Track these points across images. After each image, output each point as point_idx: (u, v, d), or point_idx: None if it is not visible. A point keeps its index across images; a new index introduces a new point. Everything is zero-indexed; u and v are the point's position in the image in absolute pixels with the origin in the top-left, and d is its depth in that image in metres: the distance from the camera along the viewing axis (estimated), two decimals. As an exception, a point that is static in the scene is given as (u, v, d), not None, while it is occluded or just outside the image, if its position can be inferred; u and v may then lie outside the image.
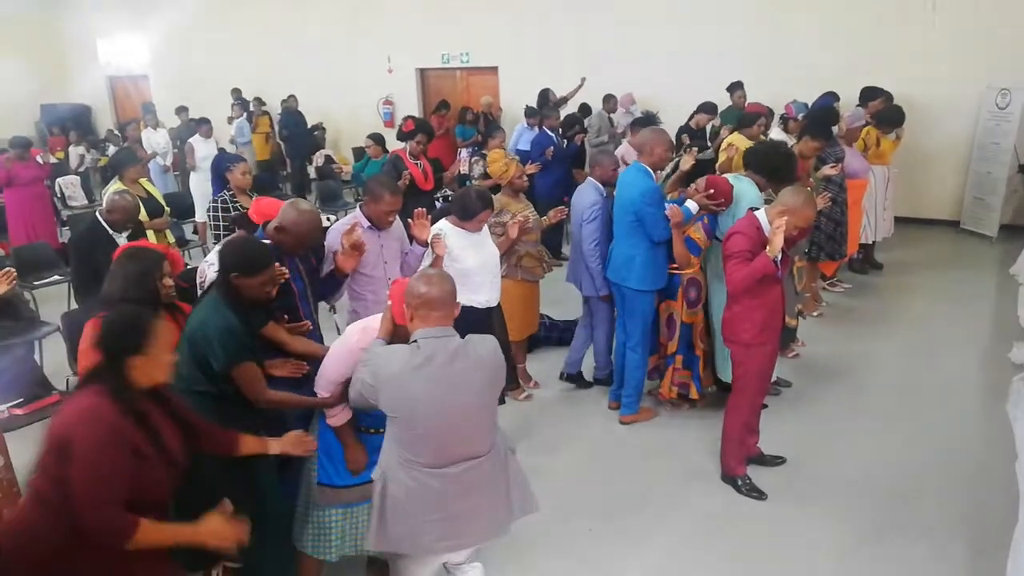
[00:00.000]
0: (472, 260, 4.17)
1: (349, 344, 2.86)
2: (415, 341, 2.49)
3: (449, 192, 7.28)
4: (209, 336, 2.76)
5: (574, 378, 5.32)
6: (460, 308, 4.03)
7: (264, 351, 3.12)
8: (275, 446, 2.74)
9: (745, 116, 6.87)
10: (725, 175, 4.75)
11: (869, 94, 7.56)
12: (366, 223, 3.93)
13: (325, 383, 2.89)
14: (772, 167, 4.59)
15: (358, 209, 4.06)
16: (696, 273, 4.57)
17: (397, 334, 2.69)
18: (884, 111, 7.12)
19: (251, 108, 12.25)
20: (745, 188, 4.55)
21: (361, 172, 8.21)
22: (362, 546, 2.98)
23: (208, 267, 3.47)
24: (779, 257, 3.58)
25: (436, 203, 6.79)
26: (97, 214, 5.00)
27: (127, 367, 2.24)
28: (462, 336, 2.59)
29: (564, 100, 10.12)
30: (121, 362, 2.24)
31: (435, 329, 2.51)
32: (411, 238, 4.12)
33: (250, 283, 2.86)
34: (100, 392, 2.23)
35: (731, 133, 7.15)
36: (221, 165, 5.56)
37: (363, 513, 2.94)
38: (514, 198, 4.94)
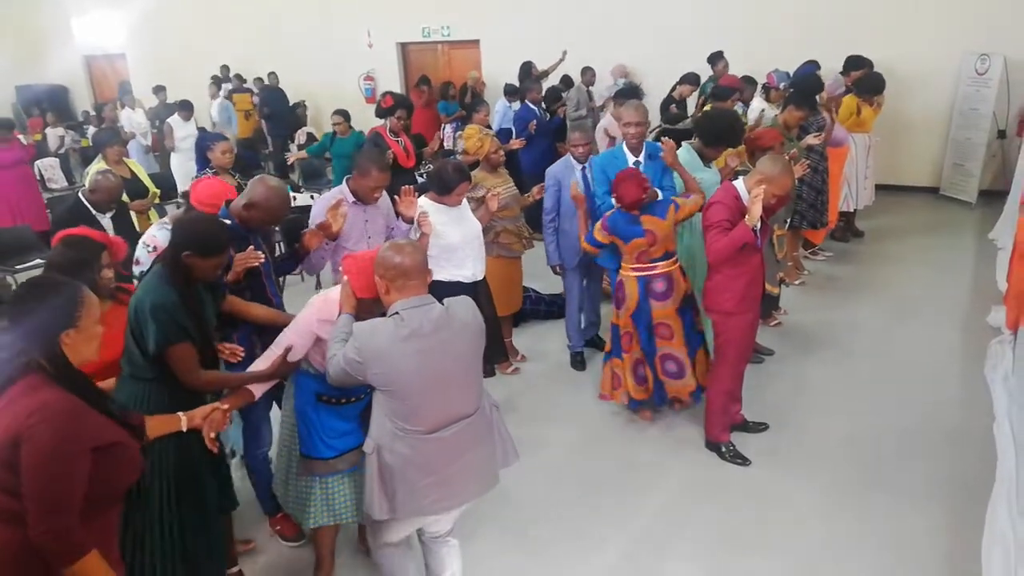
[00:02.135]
0: (455, 235, 4.18)
1: (309, 314, 2.85)
2: (397, 313, 2.50)
3: (432, 166, 7.24)
4: (146, 312, 2.64)
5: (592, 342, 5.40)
6: (446, 283, 4.13)
7: (230, 326, 3.11)
8: (185, 422, 2.56)
9: (720, 90, 6.86)
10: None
11: (853, 64, 7.54)
12: (351, 198, 3.93)
13: (277, 350, 2.83)
14: (712, 132, 4.57)
15: (344, 183, 4.04)
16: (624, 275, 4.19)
17: (361, 308, 2.69)
18: (864, 79, 7.11)
19: (230, 85, 12.06)
20: (680, 155, 4.57)
21: (321, 153, 8.12)
22: (342, 516, 2.99)
23: (143, 247, 3.46)
24: (758, 226, 3.62)
25: (419, 179, 6.77)
26: (80, 195, 4.97)
27: (60, 345, 1.99)
28: None
29: (545, 74, 10.02)
30: (55, 339, 1.98)
31: (414, 299, 2.52)
32: (398, 214, 4.11)
33: (203, 264, 2.74)
34: (40, 383, 1.96)
35: (705, 105, 7.16)
36: (203, 143, 5.60)
37: (338, 483, 2.95)
38: (492, 173, 4.91)
